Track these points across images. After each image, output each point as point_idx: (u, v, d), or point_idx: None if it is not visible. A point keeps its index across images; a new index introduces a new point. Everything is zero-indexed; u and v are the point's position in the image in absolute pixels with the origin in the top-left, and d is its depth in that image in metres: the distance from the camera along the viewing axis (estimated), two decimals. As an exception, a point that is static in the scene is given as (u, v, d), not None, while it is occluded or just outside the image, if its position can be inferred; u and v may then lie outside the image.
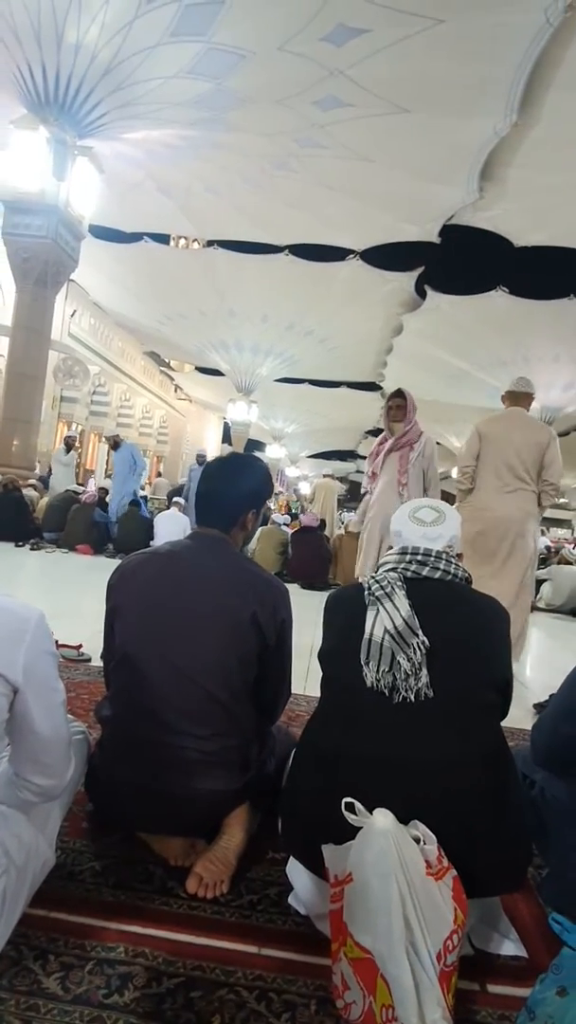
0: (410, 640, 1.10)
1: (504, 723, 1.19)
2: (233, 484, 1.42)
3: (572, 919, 1.08)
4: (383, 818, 0.94)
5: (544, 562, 8.17)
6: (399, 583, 1.18)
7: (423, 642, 1.10)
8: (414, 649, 1.09)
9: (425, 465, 3.55)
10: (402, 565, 1.23)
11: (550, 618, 6.48)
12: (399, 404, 3.60)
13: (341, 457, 31.96)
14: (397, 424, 3.59)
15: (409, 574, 1.21)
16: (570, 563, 7.70)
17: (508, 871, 1.09)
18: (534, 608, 6.69)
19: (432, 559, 1.23)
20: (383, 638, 1.12)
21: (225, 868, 1.21)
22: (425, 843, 0.96)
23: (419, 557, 1.24)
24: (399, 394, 3.64)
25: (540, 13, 5.94)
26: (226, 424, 19.34)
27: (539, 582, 7.09)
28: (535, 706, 2.76)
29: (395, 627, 1.12)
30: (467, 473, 3.43)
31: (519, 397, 3.59)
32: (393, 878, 0.88)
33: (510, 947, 1.13)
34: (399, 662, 1.09)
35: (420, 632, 1.11)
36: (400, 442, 3.57)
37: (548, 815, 1.32)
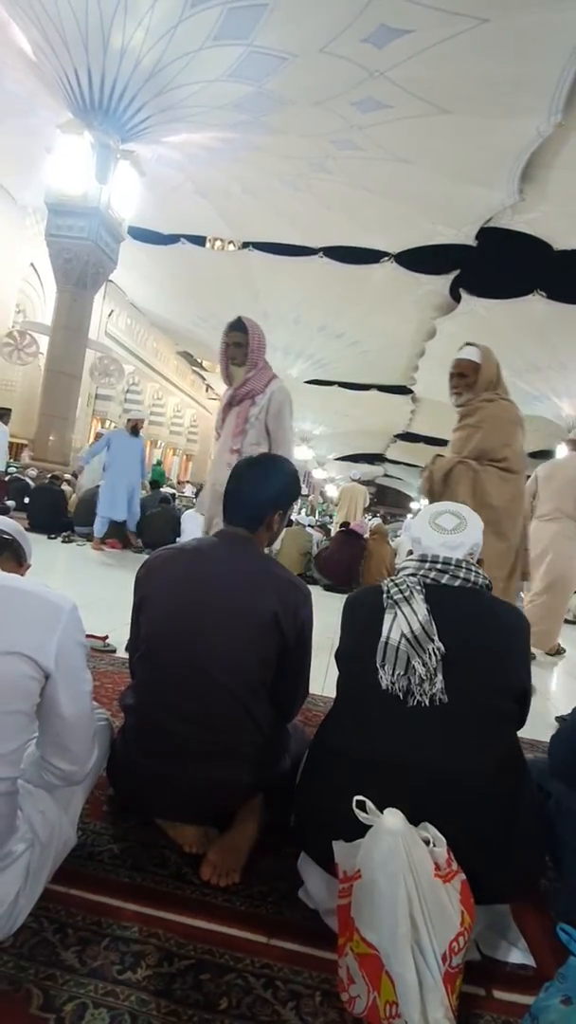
0: (426, 645, 1.11)
1: (526, 735, 1.19)
2: (261, 485, 1.44)
3: (583, 932, 1.07)
4: (393, 818, 0.96)
5: None
6: (418, 587, 1.18)
7: (439, 648, 1.10)
8: (430, 654, 1.10)
9: (271, 424, 2.58)
10: (421, 572, 1.24)
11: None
12: (237, 341, 2.63)
13: (369, 460, 31.80)
14: (237, 368, 2.66)
15: (428, 580, 1.22)
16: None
17: (517, 880, 1.09)
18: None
19: (452, 567, 1.23)
20: (399, 642, 1.12)
21: (237, 857, 1.24)
22: (435, 845, 0.97)
23: (439, 566, 1.23)
24: (238, 326, 2.66)
25: (587, 7, 5.80)
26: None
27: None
28: (557, 719, 2.72)
29: (412, 631, 1.12)
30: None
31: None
32: (400, 877, 0.90)
33: (518, 956, 1.13)
34: (414, 666, 1.10)
35: (436, 638, 1.12)
36: (239, 393, 2.61)
37: (563, 828, 1.31)
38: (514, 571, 2.43)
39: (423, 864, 0.93)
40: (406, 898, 0.89)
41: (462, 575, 1.22)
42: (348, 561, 6.48)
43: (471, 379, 2.51)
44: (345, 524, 7.25)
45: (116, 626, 2.79)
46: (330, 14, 6.30)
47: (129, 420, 6.64)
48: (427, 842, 0.96)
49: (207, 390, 24.65)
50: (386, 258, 11.35)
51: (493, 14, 6.02)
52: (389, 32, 6.39)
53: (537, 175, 8.39)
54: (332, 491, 23.70)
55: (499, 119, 7.41)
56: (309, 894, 1.20)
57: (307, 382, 16.57)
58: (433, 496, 2.42)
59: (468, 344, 2.64)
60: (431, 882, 0.92)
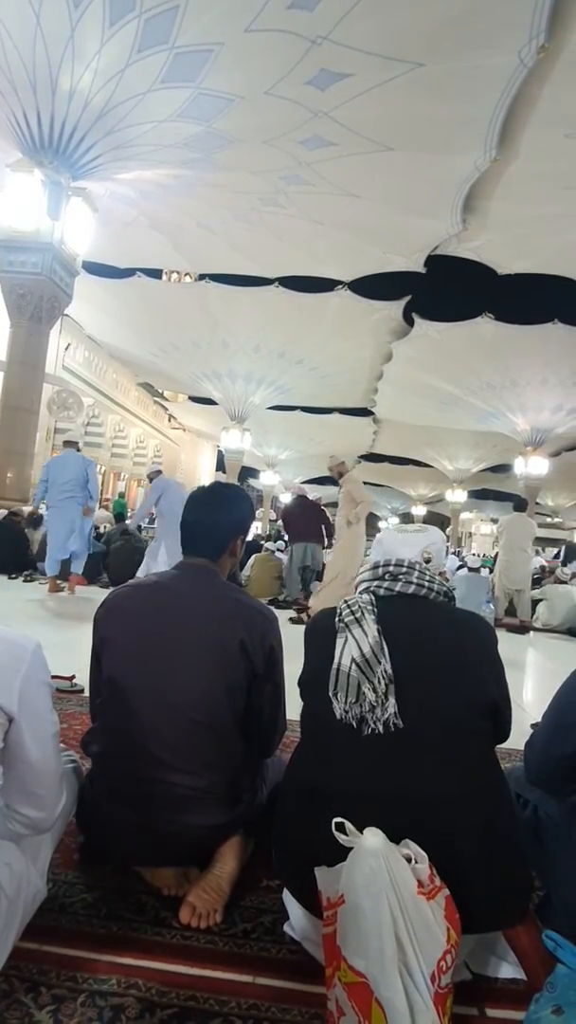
0: (375, 668, 1.06)
1: (501, 745, 1.17)
2: (220, 513, 1.43)
3: (571, 940, 1.07)
4: (373, 837, 0.94)
5: (539, 582, 8.17)
6: (369, 606, 1.15)
7: (386, 671, 1.06)
8: (379, 678, 1.05)
9: None
10: (375, 583, 1.21)
11: (547, 638, 6.45)
12: None
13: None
14: None
15: (382, 592, 1.19)
16: (564, 583, 7.70)
17: (507, 906, 1.06)
18: (531, 628, 6.70)
19: (404, 570, 1.19)
20: (351, 667, 1.07)
21: (218, 897, 1.20)
22: (416, 862, 0.95)
23: (391, 569, 1.20)
24: None
25: (514, 56, 6.24)
26: (220, 452, 19.45)
27: (534, 602, 7.09)
28: (532, 726, 2.74)
29: (362, 655, 1.07)
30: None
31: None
32: (384, 897, 0.88)
33: (508, 970, 1.12)
34: (364, 692, 1.05)
35: (385, 659, 1.07)
36: None
37: (543, 835, 1.31)
38: None
39: (406, 882, 0.91)
40: (390, 917, 0.87)
41: (415, 579, 1.18)
42: (310, 518, 6.90)
43: None
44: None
45: (83, 665, 2.69)
46: (273, 59, 6.57)
47: (65, 443, 6.11)
48: (409, 859, 0.95)
49: (169, 420, 24.62)
50: (340, 286, 11.67)
51: (427, 59, 6.39)
52: (330, 76, 6.71)
53: (478, 206, 8.85)
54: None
55: (439, 155, 7.82)
56: (294, 927, 1.16)
57: (270, 408, 16.74)
58: None
59: None
60: (415, 900, 0.91)
